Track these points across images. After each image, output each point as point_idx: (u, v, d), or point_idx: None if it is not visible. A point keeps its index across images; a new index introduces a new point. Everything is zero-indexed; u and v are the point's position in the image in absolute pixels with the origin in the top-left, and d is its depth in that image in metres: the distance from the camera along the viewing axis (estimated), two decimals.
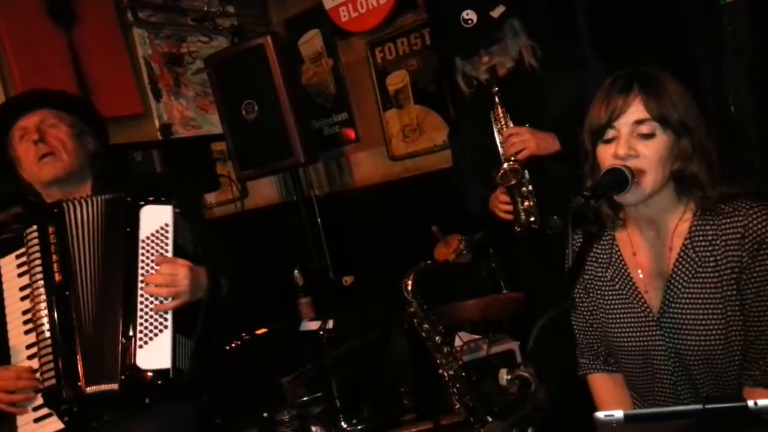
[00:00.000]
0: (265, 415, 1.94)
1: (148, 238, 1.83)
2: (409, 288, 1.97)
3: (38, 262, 1.80)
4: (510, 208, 2.25)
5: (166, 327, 1.78)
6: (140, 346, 1.76)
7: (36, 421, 1.78)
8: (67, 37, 3.04)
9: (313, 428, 1.86)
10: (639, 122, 1.37)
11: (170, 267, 1.80)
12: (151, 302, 1.80)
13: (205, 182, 3.68)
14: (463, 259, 2.90)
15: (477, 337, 2.82)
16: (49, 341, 1.76)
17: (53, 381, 1.74)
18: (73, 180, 1.97)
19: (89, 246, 1.85)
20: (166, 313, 1.79)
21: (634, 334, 1.50)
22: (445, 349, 1.99)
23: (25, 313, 1.83)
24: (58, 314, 1.78)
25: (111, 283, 1.82)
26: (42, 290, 1.79)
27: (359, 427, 1.93)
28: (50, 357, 1.76)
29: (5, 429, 1.79)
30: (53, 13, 3.03)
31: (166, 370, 1.75)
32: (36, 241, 1.82)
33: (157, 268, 1.80)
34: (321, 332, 2.15)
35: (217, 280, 1.92)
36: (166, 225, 1.84)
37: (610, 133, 1.41)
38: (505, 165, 2.19)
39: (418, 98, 3.69)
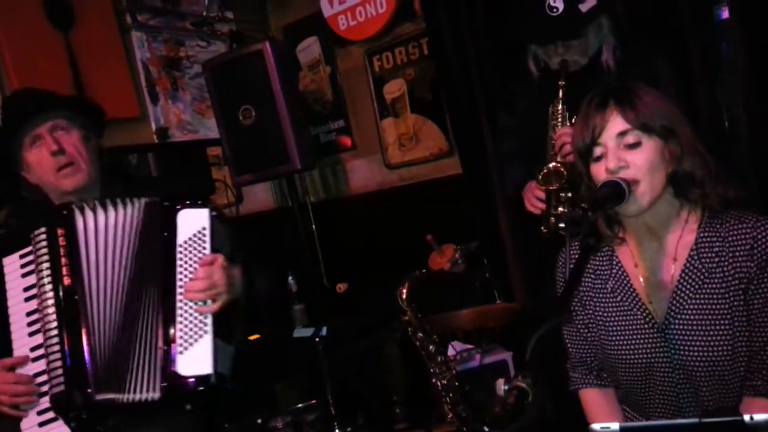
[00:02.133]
0: (259, 421, 1.92)
1: (185, 242, 1.81)
2: (404, 296, 1.98)
3: (46, 264, 1.76)
4: (542, 206, 2.18)
5: (206, 332, 1.75)
6: (180, 353, 1.73)
7: (41, 425, 1.74)
8: (65, 38, 3.02)
9: None
10: (622, 134, 1.41)
11: (207, 270, 1.77)
12: (191, 307, 1.77)
13: (200, 187, 3.67)
14: (457, 269, 2.91)
15: (470, 346, 2.81)
16: (56, 347, 1.72)
17: (61, 387, 1.71)
18: (90, 187, 1.92)
19: (117, 250, 1.80)
20: (206, 318, 1.76)
21: (636, 346, 1.50)
22: (439, 359, 1.99)
23: (29, 314, 1.78)
24: (67, 318, 1.74)
25: (147, 289, 1.79)
26: (50, 293, 1.75)
27: None
28: (58, 363, 1.72)
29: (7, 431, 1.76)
30: (51, 14, 3.01)
31: (207, 376, 1.72)
32: (44, 243, 1.77)
33: (196, 271, 1.78)
34: (316, 339, 2.14)
35: (251, 280, 1.90)
36: (204, 228, 1.81)
37: (597, 151, 1.44)
38: (551, 165, 2.12)
39: (415, 107, 3.69)
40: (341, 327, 2.92)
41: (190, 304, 1.77)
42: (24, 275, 1.80)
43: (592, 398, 1.65)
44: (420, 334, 2.00)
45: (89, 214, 1.81)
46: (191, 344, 1.74)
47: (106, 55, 3.19)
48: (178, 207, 1.83)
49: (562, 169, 2.10)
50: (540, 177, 2.14)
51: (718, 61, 2.62)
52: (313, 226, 3.94)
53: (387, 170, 3.87)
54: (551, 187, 2.12)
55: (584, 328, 1.61)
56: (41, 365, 1.75)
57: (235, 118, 3.30)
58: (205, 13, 3.71)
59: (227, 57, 3.39)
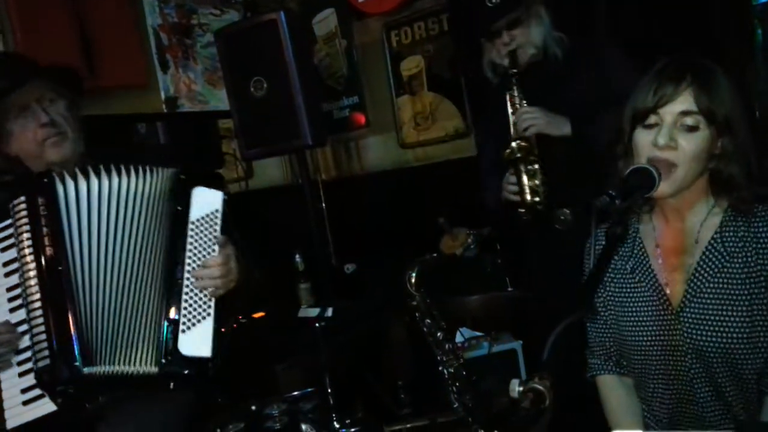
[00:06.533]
0: (253, 408, 1.86)
1: (198, 221, 1.76)
2: (413, 281, 1.90)
3: (27, 235, 1.69)
4: (516, 189, 2.21)
5: (209, 314, 1.72)
6: (183, 331, 1.70)
7: (25, 403, 1.68)
8: (73, 2, 2.94)
9: (304, 426, 1.78)
10: (685, 113, 1.34)
11: (224, 256, 1.75)
12: (197, 286, 1.74)
13: (209, 159, 3.60)
14: (469, 254, 2.83)
15: (479, 334, 2.75)
16: (40, 319, 1.66)
17: (47, 361, 1.64)
18: (74, 158, 1.85)
19: (121, 218, 1.73)
20: (210, 299, 1.73)
21: (650, 329, 1.45)
22: (447, 346, 1.92)
23: (10, 289, 1.72)
24: (50, 290, 1.67)
25: (152, 262, 1.74)
26: (32, 265, 1.68)
27: (352, 430, 1.86)
28: (43, 336, 1.65)
29: None
30: None
31: (206, 360, 1.69)
32: (24, 213, 1.70)
33: (206, 254, 1.74)
34: (317, 324, 2.07)
35: (250, 268, 1.86)
36: (216, 211, 1.78)
37: (652, 119, 1.38)
38: (514, 144, 2.19)
39: (433, 85, 3.59)
40: (347, 308, 2.85)
41: (195, 282, 1.73)
42: (4, 249, 1.74)
43: (611, 387, 1.60)
44: (428, 320, 1.93)
45: (71, 182, 1.73)
46: (194, 324, 1.71)
47: (115, 20, 3.10)
48: (195, 183, 1.78)
49: (524, 144, 2.18)
50: (506, 155, 2.21)
51: (751, 49, 2.52)
52: (323, 204, 3.87)
53: (401, 149, 3.79)
54: (516, 157, 2.19)
55: (603, 308, 1.57)
56: (25, 341, 1.69)
57: (245, 90, 3.20)
58: None
59: (239, 26, 3.28)
